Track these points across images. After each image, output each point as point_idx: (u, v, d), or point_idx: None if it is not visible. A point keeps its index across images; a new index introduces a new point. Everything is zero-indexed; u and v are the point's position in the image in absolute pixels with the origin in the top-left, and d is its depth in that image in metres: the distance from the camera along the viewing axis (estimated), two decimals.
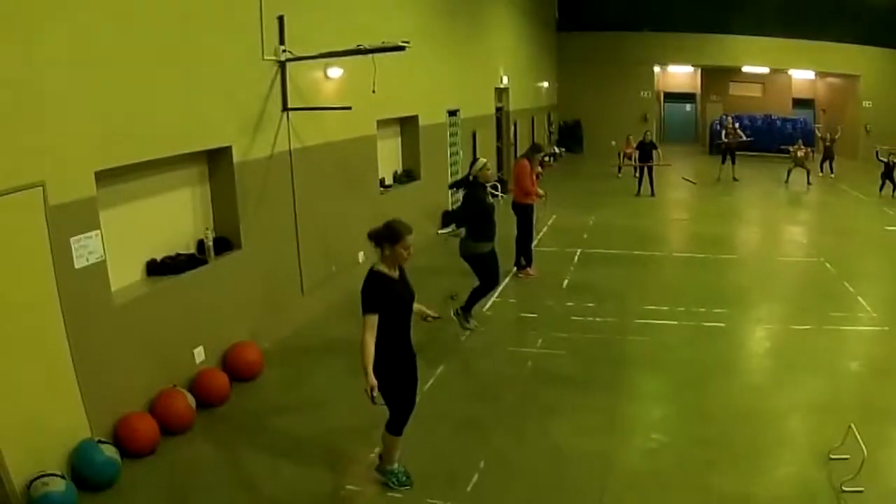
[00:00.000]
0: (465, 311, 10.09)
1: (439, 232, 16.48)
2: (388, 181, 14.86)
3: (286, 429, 7.63)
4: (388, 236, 6.01)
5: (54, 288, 6.29)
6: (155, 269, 8.13)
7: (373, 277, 6.01)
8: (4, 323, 5.82)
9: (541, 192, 13.13)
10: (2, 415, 5.75)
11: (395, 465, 6.52)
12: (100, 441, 6.47)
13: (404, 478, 6.51)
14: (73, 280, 6.48)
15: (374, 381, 5.77)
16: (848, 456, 6.53)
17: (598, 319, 10.82)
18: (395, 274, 6.11)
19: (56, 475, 5.91)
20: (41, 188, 6.12)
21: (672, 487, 6.43)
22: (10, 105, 5.85)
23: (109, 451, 6.45)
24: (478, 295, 10.13)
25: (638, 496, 6.35)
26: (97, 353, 6.77)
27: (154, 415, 7.25)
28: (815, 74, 34.17)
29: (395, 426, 6.33)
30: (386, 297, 5.95)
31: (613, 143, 29.45)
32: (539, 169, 13.87)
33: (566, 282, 12.91)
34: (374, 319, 5.86)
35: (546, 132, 31.75)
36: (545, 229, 16.98)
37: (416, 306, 6.43)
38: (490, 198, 10.09)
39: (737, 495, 6.25)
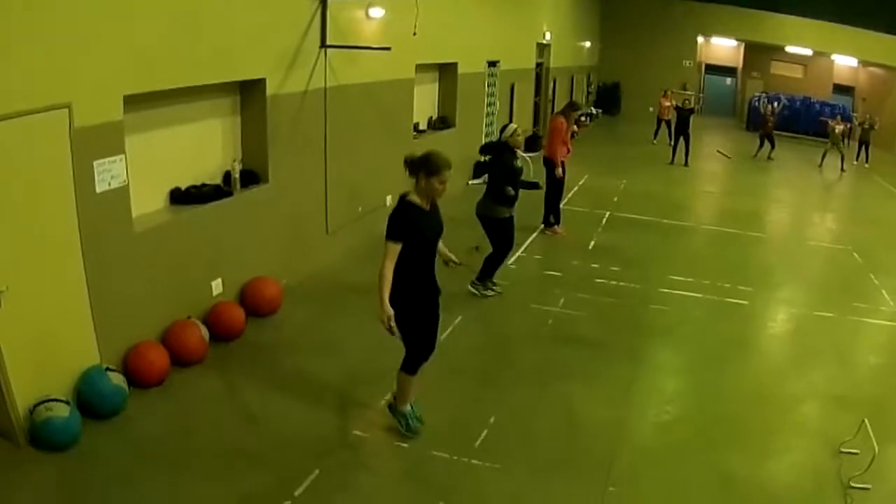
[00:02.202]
0: (481, 280, 9.64)
1: (470, 182, 16.16)
2: (423, 126, 14.54)
3: (299, 368, 7.43)
4: (425, 166, 5.72)
5: (74, 210, 6.02)
6: (178, 198, 7.82)
7: (403, 206, 5.71)
8: (20, 243, 5.57)
9: (559, 172, 12.62)
10: (11, 336, 5.51)
11: (408, 408, 6.27)
12: (108, 369, 6.25)
13: (414, 422, 6.28)
14: (93, 204, 6.20)
15: (391, 311, 5.50)
16: (858, 451, 6.30)
17: (622, 284, 10.56)
18: (427, 206, 5.81)
19: (60, 401, 5.71)
20: (67, 109, 5.83)
21: (682, 463, 6.23)
22: (41, 23, 5.54)
23: (117, 380, 6.23)
24: (491, 263, 9.63)
25: (647, 468, 6.12)
26: (113, 279, 6.53)
27: (166, 345, 7.02)
28: (858, 62, 33.17)
29: (410, 365, 6.07)
30: (412, 228, 5.65)
31: (651, 109, 28.81)
32: (574, 127, 13.49)
33: (593, 243, 12.63)
34: (395, 248, 5.56)
35: (585, 92, 31.18)
36: (576, 189, 16.55)
37: (441, 247, 6.14)
38: (518, 163, 9.71)
39: (745, 478, 6.03)
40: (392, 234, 5.59)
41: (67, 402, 5.76)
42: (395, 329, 5.60)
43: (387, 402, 6.46)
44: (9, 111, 5.32)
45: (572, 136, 13.07)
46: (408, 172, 5.80)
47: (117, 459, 5.73)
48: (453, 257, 6.48)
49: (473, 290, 9.60)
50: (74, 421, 5.74)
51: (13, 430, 5.62)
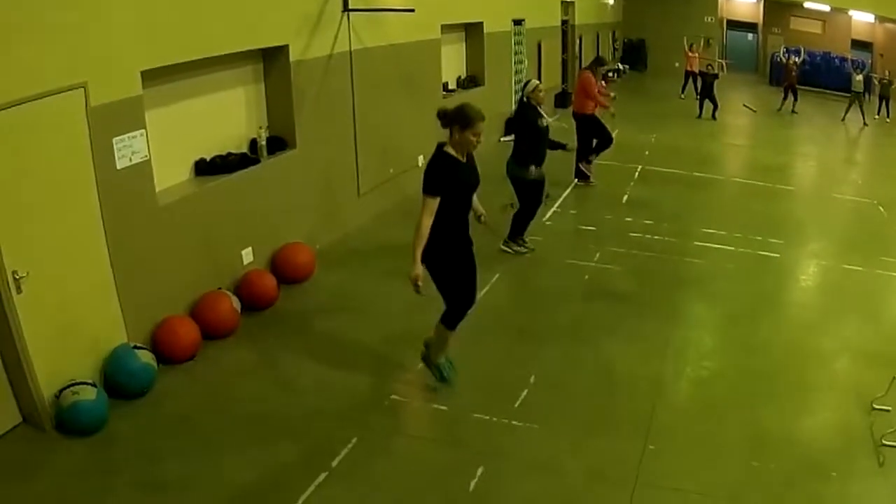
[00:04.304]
0: (512, 239, 9.16)
1: (501, 139, 15.72)
2: (452, 86, 14.04)
3: (333, 334, 7.05)
4: (458, 119, 5.37)
5: (94, 189, 5.65)
6: (204, 168, 7.40)
7: (440, 158, 5.39)
8: (41, 227, 5.23)
9: (608, 103, 12.20)
10: (34, 321, 5.16)
11: (442, 359, 5.97)
12: (136, 347, 5.87)
13: (448, 372, 5.98)
14: (114, 180, 5.83)
15: (420, 271, 5.22)
16: (889, 408, 5.87)
17: (656, 237, 10.09)
18: (462, 158, 5.47)
19: (87, 383, 5.34)
20: (83, 89, 5.47)
21: (718, 420, 5.83)
22: (51, 5, 5.18)
23: (145, 357, 5.84)
24: (519, 221, 9.12)
25: (685, 426, 5.75)
26: (138, 254, 6.14)
27: (196, 318, 6.61)
28: (875, 18, 31.99)
29: (451, 319, 5.76)
30: (450, 180, 5.33)
31: (677, 64, 28.00)
32: (602, 83, 13.00)
33: (626, 197, 12.16)
34: (434, 203, 5.26)
35: (611, 49, 30.42)
36: None
37: (475, 201, 5.82)
38: (543, 121, 9.17)
39: (779, 435, 5.65)
40: (430, 188, 5.31)
41: (94, 385, 5.40)
42: (423, 290, 5.31)
43: (421, 352, 6.12)
44: (23, 95, 4.99)
45: (599, 91, 12.61)
46: (441, 125, 5.48)
47: (147, 438, 5.39)
48: (484, 214, 6.16)
49: (505, 249, 9.16)
50: (101, 403, 5.38)
51: (39, 416, 5.30)
